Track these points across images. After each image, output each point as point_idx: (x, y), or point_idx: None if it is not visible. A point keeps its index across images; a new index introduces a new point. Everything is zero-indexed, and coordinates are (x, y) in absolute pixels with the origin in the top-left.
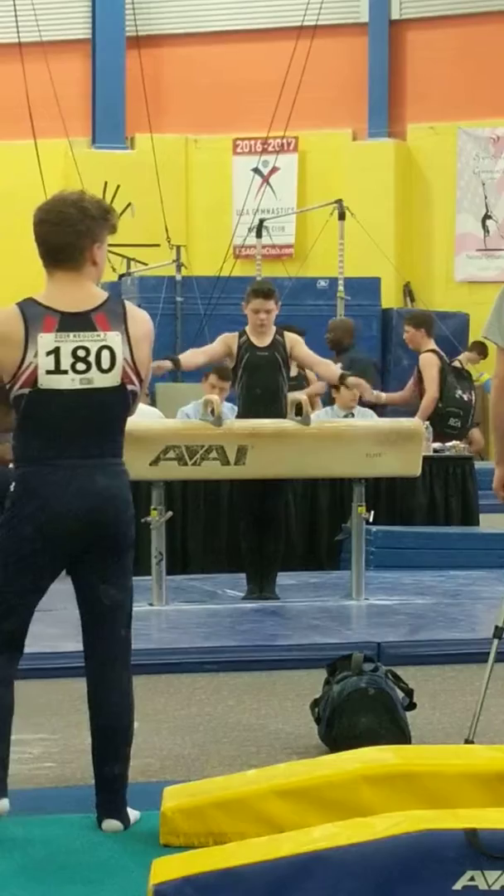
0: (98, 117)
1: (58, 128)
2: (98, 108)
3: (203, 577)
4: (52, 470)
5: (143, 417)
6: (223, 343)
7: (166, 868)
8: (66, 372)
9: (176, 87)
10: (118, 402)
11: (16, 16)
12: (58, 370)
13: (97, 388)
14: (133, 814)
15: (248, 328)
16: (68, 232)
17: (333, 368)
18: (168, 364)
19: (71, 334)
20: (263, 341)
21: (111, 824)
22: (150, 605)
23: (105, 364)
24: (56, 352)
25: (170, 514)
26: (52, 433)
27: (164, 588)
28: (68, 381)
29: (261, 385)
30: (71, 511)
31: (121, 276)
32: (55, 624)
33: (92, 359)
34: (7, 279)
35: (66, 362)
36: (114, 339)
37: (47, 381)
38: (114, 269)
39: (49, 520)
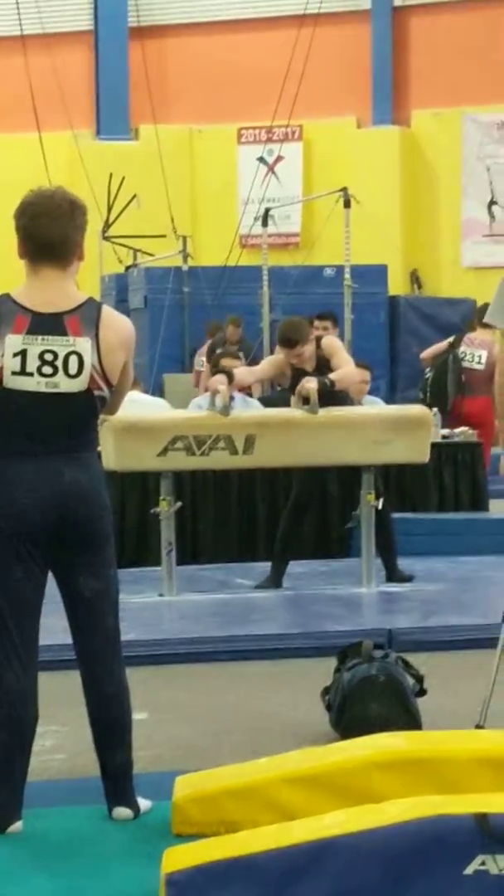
0: (102, 109)
1: (62, 120)
2: (102, 100)
3: (213, 566)
4: (18, 464)
5: (150, 408)
6: (274, 366)
7: (178, 857)
8: (31, 374)
9: (179, 77)
10: (85, 406)
11: (18, 8)
12: (23, 372)
13: (63, 392)
14: (144, 803)
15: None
16: (66, 226)
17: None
18: (224, 386)
19: (40, 337)
20: (311, 366)
21: (120, 812)
22: (161, 595)
23: (72, 370)
24: (23, 353)
25: (179, 504)
26: (19, 429)
27: (174, 578)
28: (34, 384)
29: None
30: (39, 504)
31: (127, 268)
32: (62, 615)
33: (59, 363)
34: (11, 273)
35: (32, 365)
36: (83, 344)
37: (13, 382)
38: (120, 261)
39: (18, 513)
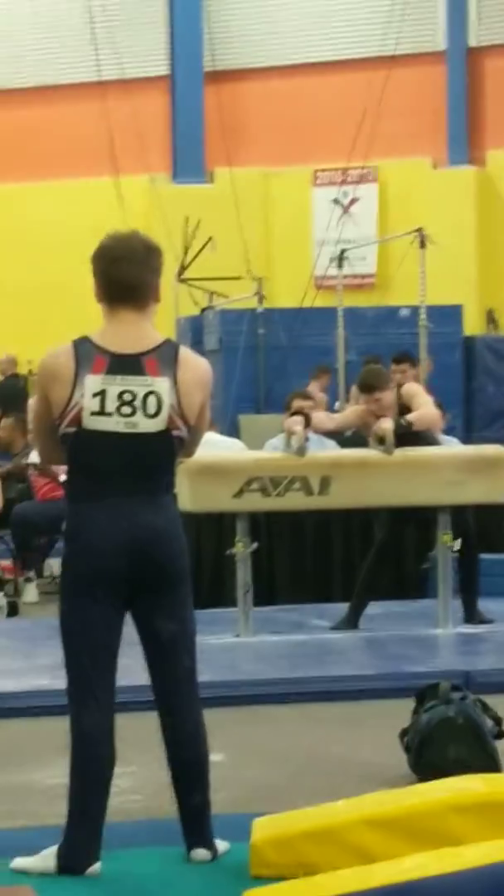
0: (178, 152)
1: (139, 164)
2: (178, 144)
3: (289, 607)
4: (97, 507)
5: (226, 450)
6: (357, 415)
7: None
8: (111, 415)
9: (254, 120)
10: (163, 447)
11: (97, 53)
12: (103, 412)
13: (142, 432)
14: (222, 845)
15: None
16: (142, 270)
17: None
18: (299, 426)
19: (119, 377)
20: (391, 414)
21: (199, 853)
22: (237, 636)
23: (151, 409)
24: (102, 394)
25: (255, 545)
26: (98, 471)
27: (250, 619)
28: (112, 424)
29: None
30: (115, 546)
31: (203, 310)
32: (139, 656)
33: (138, 403)
34: (89, 315)
35: (111, 405)
36: (161, 385)
37: (92, 423)
38: (195, 303)
39: (97, 556)
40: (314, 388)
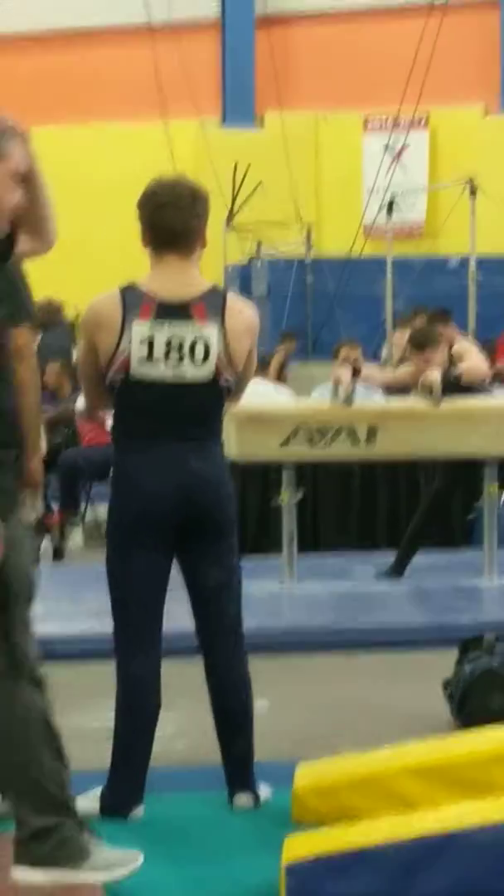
0: (228, 97)
1: (188, 108)
2: (228, 88)
3: (334, 555)
4: (144, 453)
5: (274, 397)
6: (410, 375)
7: (298, 847)
8: (158, 362)
9: (305, 64)
10: (211, 394)
11: None
12: (150, 359)
13: (189, 379)
14: (265, 791)
15: None
16: (189, 215)
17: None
18: (347, 376)
19: (166, 324)
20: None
21: (241, 799)
22: (282, 584)
23: (199, 357)
24: (150, 341)
25: (300, 494)
26: (146, 418)
27: (295, 567)
28: (160, 371)
29: None
30: (164, 493)
31: (251, 259)
32: (185, 603)
33: (186, 350)
34: (138, 263)
35: (159, 352)
36: (209, 331)
37: (140, 370)
38: (244, 251)
39: (145, 502)
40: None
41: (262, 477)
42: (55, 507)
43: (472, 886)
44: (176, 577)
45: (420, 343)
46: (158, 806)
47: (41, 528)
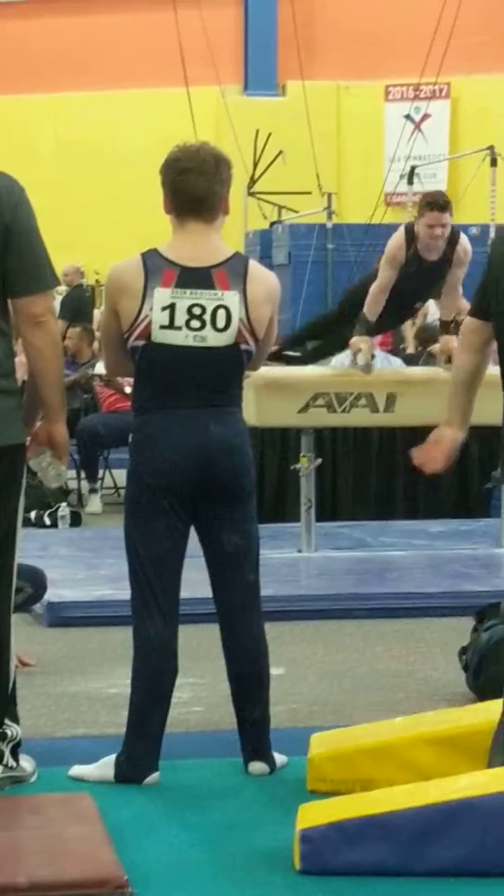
0: (250, 65)
1: (210, 75)
2: (250, 56)
3: (352, 523)
4: (165, 418)
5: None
6: (391, 264)
7: (313, 813)
8: (180, 328)
9: (327, 33)
10: (232, 360)
11: None
12: (172, 326)
13: (210, 346)
14: (280, 759)
15: (419, 243)
16: (212, 181)
17: (452, 309)
18: (366, 343)
19: (188, 291)
20: (437, 255)
21: (257, 767)
22: (299, 551)
23: (220, 323)
24: (171, 307)
25: (319, 461)
26: (166, 384)
27: (312, 535)
28: (182, 338)
29: (411, 290)
30: (185, 458)
31: (272, 224)
32: (202, 570)
33: (207, 317)
34: (160, 229)
35: (180, 318)
36: (231, 298)
37: (161, 336)
38: (265, 217)
39: (164, 467)
40: None
41: (280, 443)
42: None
43: (486, 854)
44: (194, 542)
45: (444, 203)
46: (174, 772)
47: (62, 493)
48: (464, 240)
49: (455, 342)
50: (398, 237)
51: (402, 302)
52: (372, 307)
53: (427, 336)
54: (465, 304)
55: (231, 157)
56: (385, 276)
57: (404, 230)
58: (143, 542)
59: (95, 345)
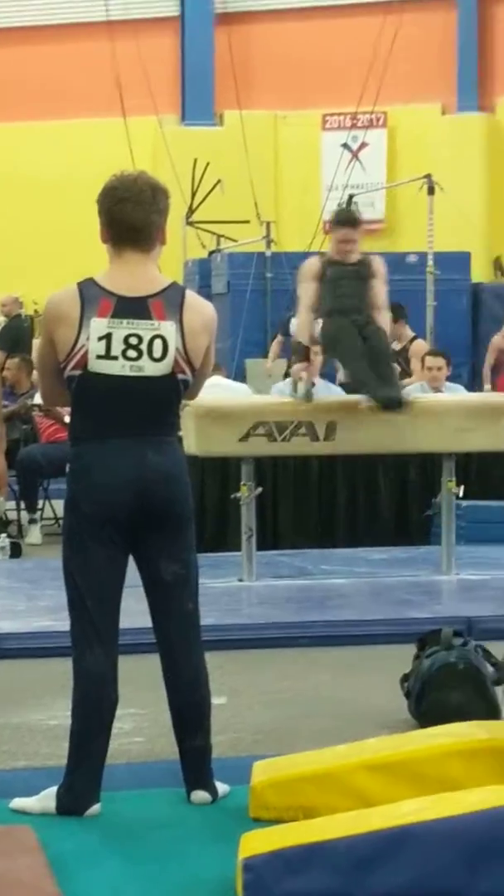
0: (187, 94)
1: (147, 105)
2: (187, 85)
3: (293, 552)
4: (102, 448)
5: (233, 393)
6: (309, 277)
7: (256, 842)
8: (116, 358)
9: (264, 63)
10: (168, 390)
11: None
12: (108, 356)
13: (147, 375)
14: (222, 787)
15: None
16: (149, 211)
17: (402, 331)
18: (305, 372)
19: (125, 321)
20: (349, 259)
21: (199, 796)
22: (240, 580)
23: (157, 353)
24: (108, 337)
25: (259, 489)
26: (103, 413)
27: (253, 563)
28: (118, 367)
29: (347, 294)
30: (122, 487)
31: (211, 253)
32: (142, 599)
33: (144, 347)
34: (97, 258)
35: (117, 348)
36: (167, 328)
37: (97, 366)
38: (203, 246)
39: (102, 496)
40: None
41: (221, 472)
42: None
43: (429, 881)
44: (133, 572)
45: (353, 219)
46: (116, 803)
47: (1, 524)
48: (377, 258)
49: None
50: (313, 259)
51: (346, 316)
52: (303, 330)
53: None
54: (407, 332)
55: (169, 187)
56: (307, 292)
57: (319, 256)
58: (82, 573)
59: (34, 375)
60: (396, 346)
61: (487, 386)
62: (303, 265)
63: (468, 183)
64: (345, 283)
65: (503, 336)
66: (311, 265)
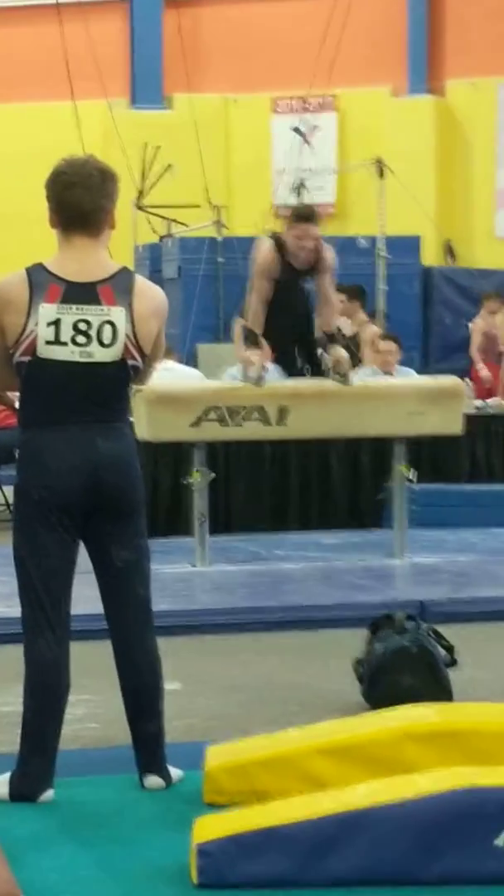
0: (137, 78)
1: (96, 89)
2: (136, 69)
3: (245, 537)
4: (52, 434)
5: (184, 379)
6: (264, 272)
7: (210, 827)
8: (65, 344)
9: (214, 46)
10: (118, 375)
11: None
12: (57, 341)
13: (97, 361)
14: (176, 773)
15: (287, 253)
16: (97, 195)
17: (331, 321)
18: (257, 357)
19: (74, 306)
20: (305, 262)
21: (152, 781)
22: (193, 566)
23: (106, 339)
24: (57, 323)
25: (212, 475)
26: (53, 400)
27: (206, 549)
28: (67, 353)
29: (287, 306)
30: (72, 473)
31: (162, 238)
32: (95, 585)
33: (93, 332)
34: (44, 242)
35: (66, 334)
36: (117, 314)
37: (46, 352)
38: (154, 231)
39: (52, 482)
40: None
41: (173, 458)
42: None
43: (383, 864)
44: (84, 558)
45: (312, 214)
46: (69, 789)
47: None
48: (329, 249)
49: (342, 352)
50: (267, 248)
51: (288, 321)
52: (255, 319)
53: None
54: (362, 316)
55: (119, 171)
56: (262, 287)
57: (273, 241)
58: (33, 559)
59: None
60: (350, 327)
61: (480, 365)
62: (261, 257)
63: (419, 166)
64: (293, 292)
65: (483, 319)
66: (271, 263)
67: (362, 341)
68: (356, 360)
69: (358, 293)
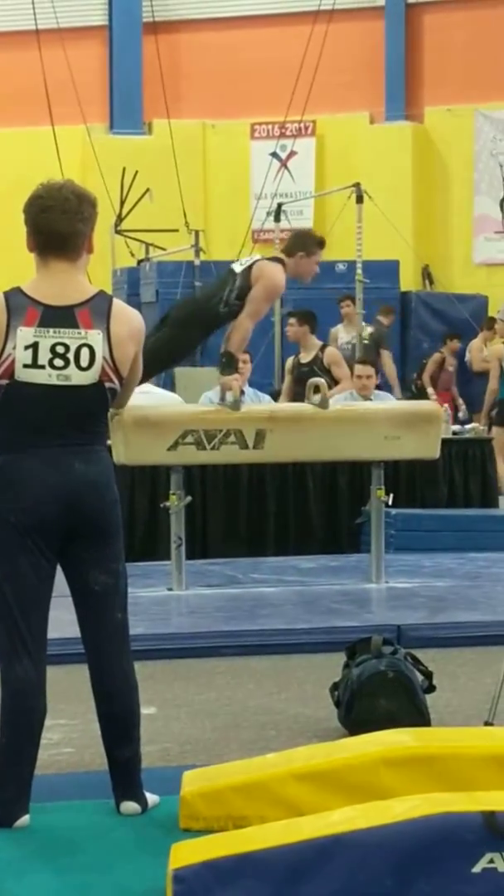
0: (115, 103)
1: (75, 114)
2: (115, 94)
3: (223, 561)
4: (29, 458)
5: (162, 402)
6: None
7: (186, 852)
8: (43, 367)
9: (193, 72)
10: (96, 399)
11: (33, 3)
12: (35, 365)
13: (74, 384)
14: (152, 798)
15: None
16: (74, 219)
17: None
18: (236, 380)
19: (51, 330)
20: (307, 357)
21: (128, 806)
22: (170, 589)
23: (84, 362)
24: (34, 346)
25: (189, 498)
26: (30, 423)
27: (183, 573)
28: (45, 376)
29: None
30: (49, 497)
31: (139, 262)
32: (71, 609)
33: (71, 356)
34: (23, 266)
35: (43, 357)
36: (94, 337)
37: (24, 375)
38: (132, 255)
39: (29, 506)
40: None
41: (150, 481)
42: None
43: (359, 889)
44: (61, 581)
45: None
46: (45, 814)
47: None
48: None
49: (319, 380)
50: (283, 275)
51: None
52: (243, 344)
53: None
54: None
55: (97, 196)
56: (264, 312)
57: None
58: (9, 583)
59: None
60: (303, 357)
61: (430, 389)
62: (279, 282)
63: (396, 192)
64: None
65: (443, 354)
66: (282, 288)
67: (329, 363)
68: (332, 383)
69: (308, 318)
